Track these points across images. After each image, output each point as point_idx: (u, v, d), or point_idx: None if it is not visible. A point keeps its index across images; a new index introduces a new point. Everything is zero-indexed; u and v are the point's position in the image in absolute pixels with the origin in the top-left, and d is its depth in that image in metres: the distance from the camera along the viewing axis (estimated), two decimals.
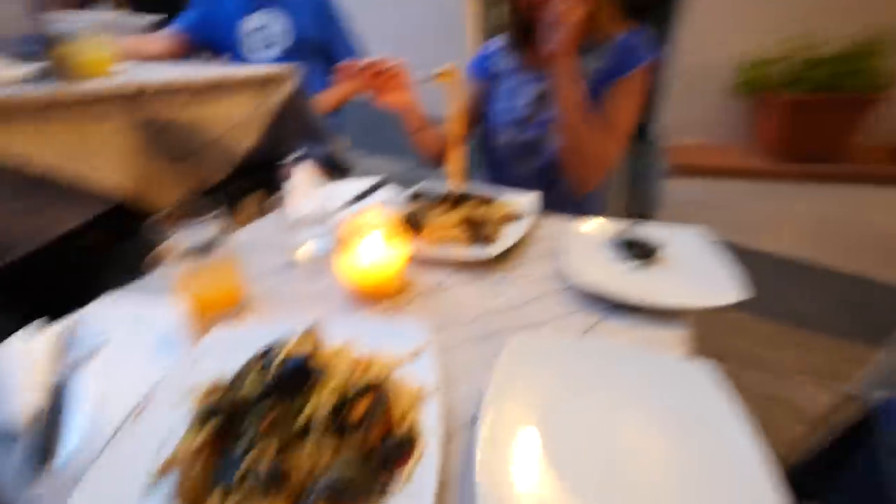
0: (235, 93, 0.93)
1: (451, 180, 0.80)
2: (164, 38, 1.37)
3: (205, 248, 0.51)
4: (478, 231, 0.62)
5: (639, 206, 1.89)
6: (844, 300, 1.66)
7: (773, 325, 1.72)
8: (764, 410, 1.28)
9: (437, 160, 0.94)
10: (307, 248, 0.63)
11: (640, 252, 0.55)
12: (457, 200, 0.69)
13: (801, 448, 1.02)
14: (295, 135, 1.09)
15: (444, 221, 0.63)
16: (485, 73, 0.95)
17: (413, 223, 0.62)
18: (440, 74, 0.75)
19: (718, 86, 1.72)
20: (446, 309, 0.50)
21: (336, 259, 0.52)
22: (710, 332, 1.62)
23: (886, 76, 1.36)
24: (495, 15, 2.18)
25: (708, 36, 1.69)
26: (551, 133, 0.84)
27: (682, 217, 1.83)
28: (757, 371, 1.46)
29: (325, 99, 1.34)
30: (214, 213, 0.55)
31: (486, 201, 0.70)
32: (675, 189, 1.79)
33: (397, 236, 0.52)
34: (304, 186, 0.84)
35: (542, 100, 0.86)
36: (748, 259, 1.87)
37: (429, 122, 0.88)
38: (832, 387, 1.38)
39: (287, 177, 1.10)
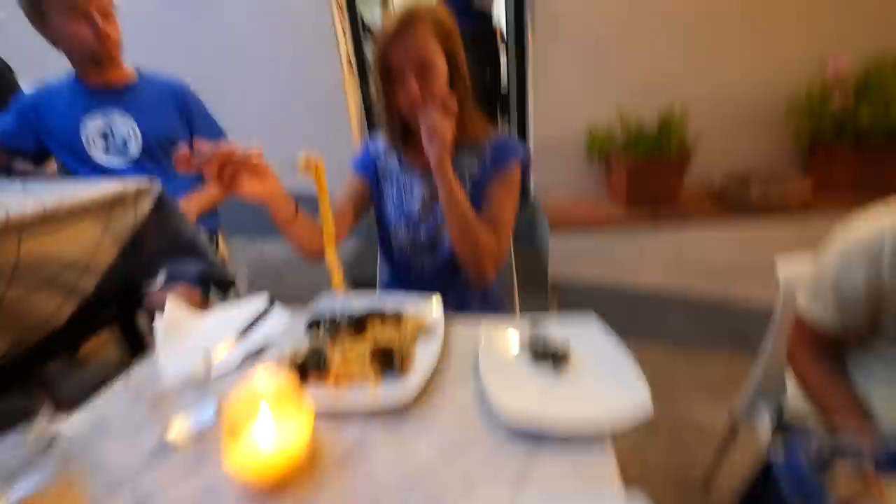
0: (73, 221, 0.77)
1: (339, 291, 0.72)
2: None
3: (25, 472, 0.38)
4: (388, 360, 0.57)
5: (532, 262, 2.04)
6: (711, 318, 1.95)
7: (664, 350, 1.94)
8: (675, 436, 1.40)
9: (313, 252, 0.82)
10: (183, 425, 0.51)
11: (552, 358, 0.56)
12: (360, 323, 0.64)
13: (712, 470, 1.12)
14: (159, 255, 0.94)
15: (350, 356, 0.58)
16: (370, 168, 0.94)
17: (315, 366, 0.55)
18: (303, 167, 0.65)
19: (574, 153, 2.01)
20: (368, 484, 0.43)
21: (223, 438, 0.42)
22: None
23: (687, 141, 1.74)
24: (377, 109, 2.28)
25: (555, 113, 1.99)
26: (445, 231, 0.86)
27: (567, 267, 2.03)
28: (661, 397, 1.61)
29: (192, 203, 1.20)
30: (38, 411, 0.42)
31: (393, 318, 0.66)
32: (555, 243, 1.98)
33: (297, 402, 0.45)
34: (174, 323, 0.72)
35: (431, 200, 0.88)
36: (628, 295, 2.10)
37: (301, 212, 0.77)
38: (725, 399, 1.58)
39: (151, 308, 0.93)
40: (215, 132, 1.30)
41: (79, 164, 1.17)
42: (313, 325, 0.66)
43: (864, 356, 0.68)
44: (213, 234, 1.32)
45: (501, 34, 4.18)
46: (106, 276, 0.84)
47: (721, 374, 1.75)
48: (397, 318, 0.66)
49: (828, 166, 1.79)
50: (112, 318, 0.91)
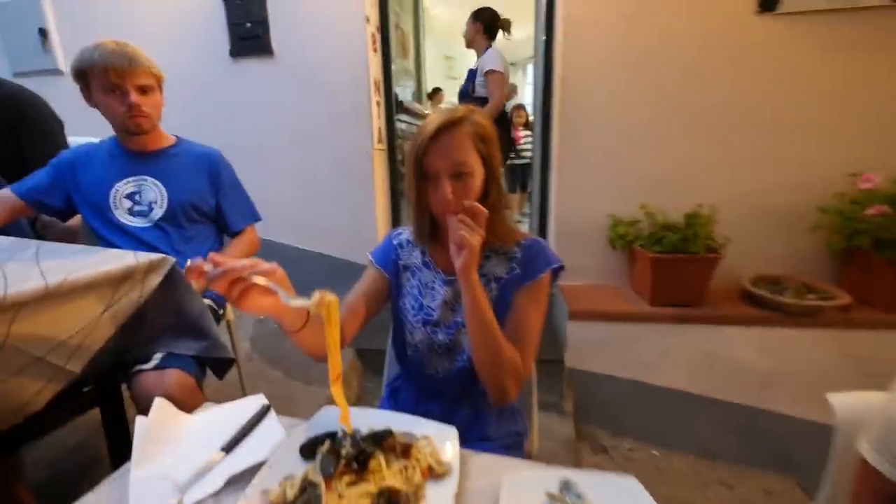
0: (74, 298, 0.73)
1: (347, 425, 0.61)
2: None
3: None
4: None
5: (548, 349, 1.93)
6: (743, 429, 1.77)
7: (689, 461, 1.74)
8: None
9: (322, 359, 0.68)
10: None
11: None
12: (363, 460, 0.55)
13: None
14: (159, 331, 0.89)
15: (350, 501, 0.49)
16: (391, 262, 0.89)
17: None
18: (314, 305, 0.57)
19: (596, 238, 1.97)
20: None
21: None
22: None
23: (716, 239, 1.70)
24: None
25: (578, 200, 1.99)
26: (465, 336, 0.79)
27: (586, 358, 1.90)
28: None
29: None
30: None
31: (402, 448, 0.58)
32: (573, 331, 1.88)
33: None
34: (158, 429, 0.64)
35: (454, 301, 0.82)
36: (652, 392, 1.93)
37: (311, 320, 0.68)
38: None
39: (138, 391, 0.86)
40: (241, 202, 1.31)
41: (100, 223, 1.17)
42: (308, 449, 0.58)
43: None
44: (221, 303, 1.27)
45: (527, 118, 4.43)
46: (97, 355, 0.78)
47: (754, 494, 1.55)
48: (406, 451, 0.57)
49: (865, 279, 1.71)
50: (94, 401, 0.83)
